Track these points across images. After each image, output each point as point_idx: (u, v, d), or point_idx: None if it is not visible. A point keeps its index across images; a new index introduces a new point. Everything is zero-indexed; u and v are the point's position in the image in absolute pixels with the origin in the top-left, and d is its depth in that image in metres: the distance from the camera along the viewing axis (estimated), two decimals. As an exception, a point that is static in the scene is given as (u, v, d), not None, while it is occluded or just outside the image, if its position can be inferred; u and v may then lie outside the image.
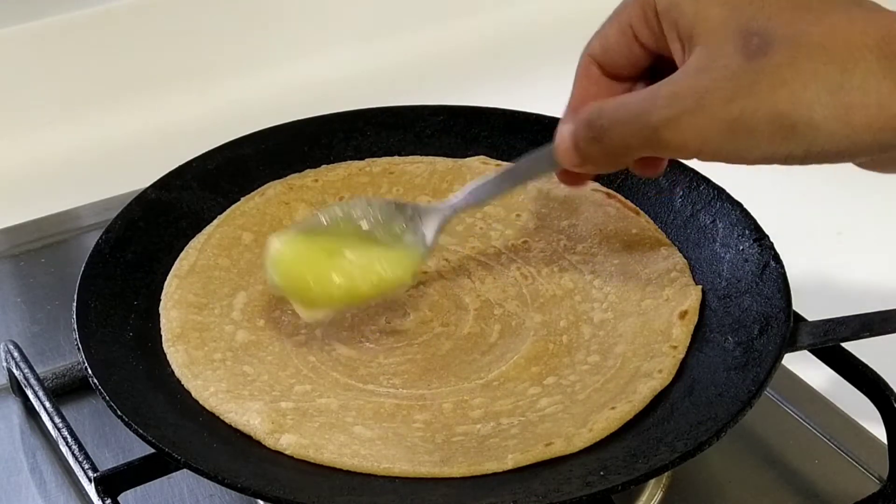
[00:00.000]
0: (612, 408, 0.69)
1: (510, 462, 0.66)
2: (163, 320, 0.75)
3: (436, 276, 0.81)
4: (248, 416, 0.68)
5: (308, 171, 0.86)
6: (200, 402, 0.70)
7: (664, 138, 0.57)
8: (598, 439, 0.67)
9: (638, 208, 0.83)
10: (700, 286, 0.76)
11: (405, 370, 0.74)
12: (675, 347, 0.72)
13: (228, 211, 0.83)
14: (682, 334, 0.73)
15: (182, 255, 0.80)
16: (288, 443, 0.67)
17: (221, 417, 0.69)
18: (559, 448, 0.67)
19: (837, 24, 0.54)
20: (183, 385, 0.71)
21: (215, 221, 0.82)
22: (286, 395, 0.71)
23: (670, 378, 0.71)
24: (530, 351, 0.75)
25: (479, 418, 0.70)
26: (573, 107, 0.66)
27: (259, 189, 0.85)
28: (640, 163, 0.65)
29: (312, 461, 0.67)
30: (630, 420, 0.68)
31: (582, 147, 0.62)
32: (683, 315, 0.74)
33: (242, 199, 0.84)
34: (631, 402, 0.69)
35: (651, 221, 0.82)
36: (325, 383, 0.72)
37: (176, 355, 0.73)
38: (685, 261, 0.79)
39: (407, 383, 0.73)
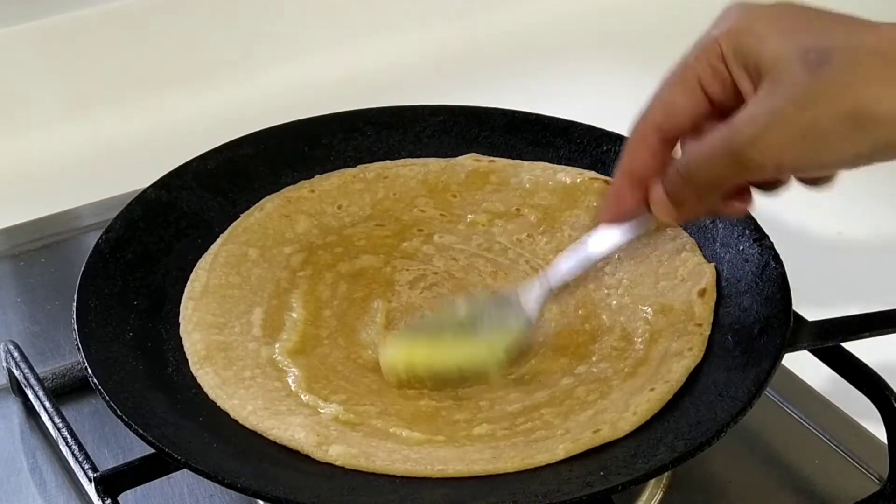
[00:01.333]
0: (651, 389, 0.69)
1: (561, 452, 0.66)
2: (186, 344, 0.74)
3: (446, 275, 0.81)
4: (291, 430, 0.68)
5: (303, 182, 0.86)
6: (240, 420, 0.69)
7: (749, 157, 0.62)
8: (642, 422, 0.68)
9: None
10: (713, 263, 0.77)
11: None
12: (699, 325, 0.73)
13: (230, 229, 0.82)
14: (704, 311, 0.74)
15: (192, 276, 0.79)
16: (337, 453, 0.66)
17: (265, 435, 0.68)
18: (606, 434, 0.67)
19: (888, 32, 0.60)
20: (219, 405, 0.70)
21: (219, 240, 0.81)
22: (324, 406, 0.70)
23: (701, 355, 0.72)
24: (554, 342, 0.75)
25: (520, 412, 0.70)
26: (631, 173, 0.69)
27: (257, 204, 0.84)
28: (728, 198, 0.68)
29: (364, 470, 0.66)
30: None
31: (676, 192, 0.67)
32: (703, 293, 0.75)
33: (242, 215, 0.83)
34: (668, 382, 0.69)
35: None
36: (360, 391, 0.72)
37: (206, 377, 0.72)
38: (693, 240, 0.79)
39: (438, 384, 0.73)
